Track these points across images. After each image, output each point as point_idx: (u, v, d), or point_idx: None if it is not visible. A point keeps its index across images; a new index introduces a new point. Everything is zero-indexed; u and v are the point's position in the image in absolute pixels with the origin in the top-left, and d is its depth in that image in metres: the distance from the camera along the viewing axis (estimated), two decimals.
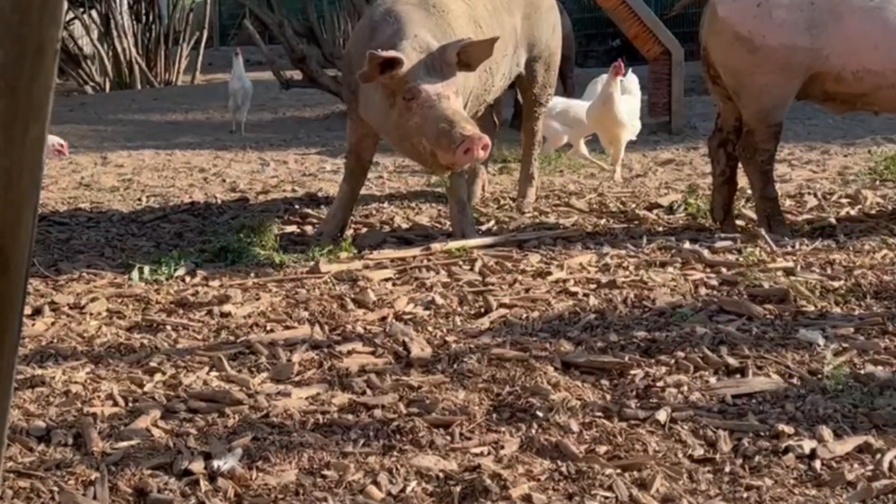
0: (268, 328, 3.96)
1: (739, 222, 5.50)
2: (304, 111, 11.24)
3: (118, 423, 3.08)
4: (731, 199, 5.49)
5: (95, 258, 5.10)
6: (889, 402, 3.14)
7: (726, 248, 4.97)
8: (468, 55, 4.68)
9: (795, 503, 2.61)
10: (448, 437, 2.95)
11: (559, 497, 2.63)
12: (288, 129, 10.03)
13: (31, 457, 2.88)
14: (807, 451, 2.84)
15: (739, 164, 5.40)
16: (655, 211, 5.83)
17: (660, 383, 3.32)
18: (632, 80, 7.24)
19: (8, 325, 1.65)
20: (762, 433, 2.96)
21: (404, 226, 5.69)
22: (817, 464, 2.78)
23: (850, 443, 2.89)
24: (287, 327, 3.97)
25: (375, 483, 2.69)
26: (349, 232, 5.45)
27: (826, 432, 2.94)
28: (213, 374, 3.50)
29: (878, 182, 6.54)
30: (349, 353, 3.67)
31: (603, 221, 5.63)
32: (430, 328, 3.93)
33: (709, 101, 9.44)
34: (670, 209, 5.83)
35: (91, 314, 4.17)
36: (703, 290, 4.30)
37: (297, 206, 6.20)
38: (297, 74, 10.22)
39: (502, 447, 2.90)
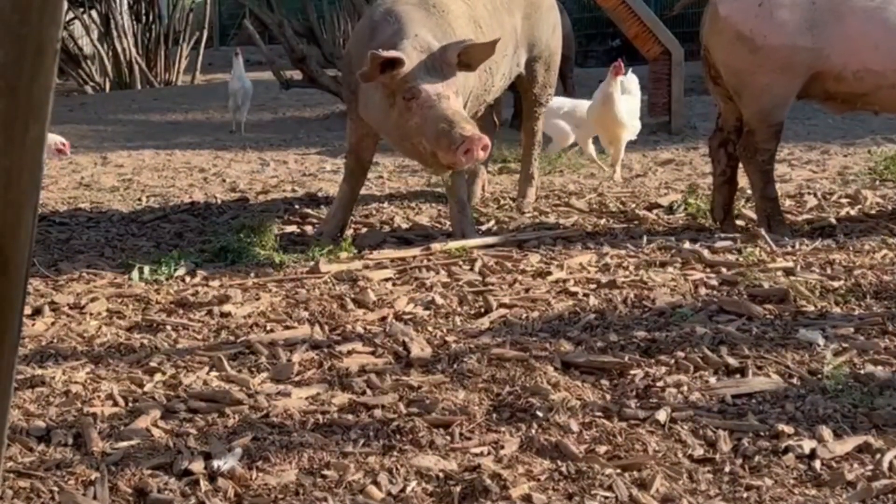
0: (268, 328, 3.96)
1: (739, 222, 5.50)
2: (304, 111, 11.24)
3: (118, 423, 3.08)
4: (731, 199, 5.49)
5: (95, 258, 5.11)
6: (889, 402, 3.14)
7: (726, 248, 4.97)
8: (469, 56, 4.68)
9: (795, 503, 2.61)
10: (448, 437, 2.95)
11: (559, 497, 2.63)
12: (288, 129, 10.03)
13: (31, 457, 2.88)
14: (807, 451, 2.84)
15: (740, 164, 5.41)
16: (655, 211, 5.83)
17: (660, 383, 3.32)
18: (632, 80, 7.24)
19: (8, 325, 1.65)
20: (762, 433, 2.96)
21: (404, 226, 5.70)
22: (817, 464, 2.78)
23: (850, 443, 2.89)
24: (287, 327, 3.97)
25: (375, 483, 2.69)
26: (349, 232, 5.45)
27: (826, 432, 2.94)
28: (213, 374, 3.50)
29: (878, 182, 6.54)
30: (349, 353, 3.67)
31: (603, 221, 5.63)
32: (430, 328, 3.93)
33: (709, 101, 9.46)
34: (670, 209, 5.84)
35: (91, 314, 4.17)
36: (703, 290, 4.30)
37: (297, 206, 6.20)
38: (297, 74, 10.22)
39: (502, 447, 2.90)
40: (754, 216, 5.45)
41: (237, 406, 3.20)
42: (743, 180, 5.56)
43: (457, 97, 4.67)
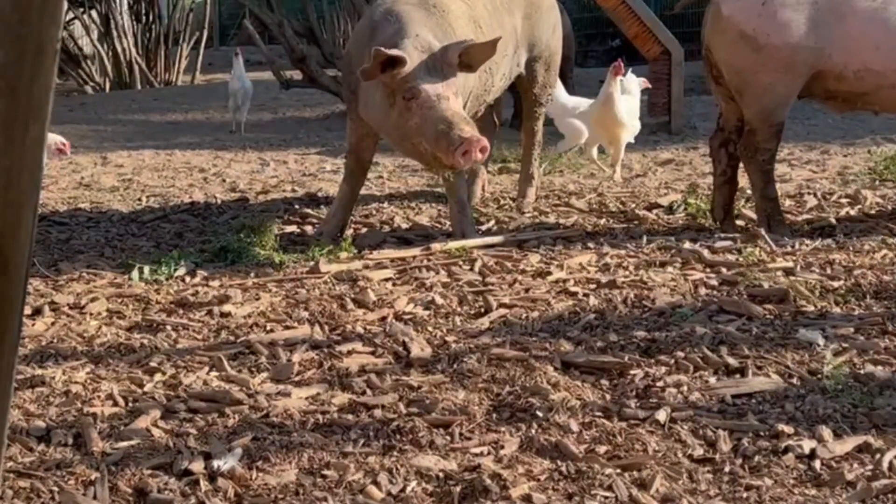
0: (268, 328, 3.96)
1: (739, 222, 5.50)
2: (304, 111, 11.23)
3: (118, 423, 3.08)
4: (731, 199, 5.50)
5: (95, 258, 5.10)
6: (889, 402, 3.14)
7: (726, 248, 4.97)
8: (470, 56, 4.68)
9: (795, 503, 2.61)
10: (448, 437, 2.95)
11: (559, 497, 2.63)
12: (288, 129, 10.03)
13: (31, 457, 2.88)
14: (806, 451, 2.84)
15: (740, 165, 5.41)
16: (655, 211, 5.83)
17: (660, 383, 3.32)
18: (632, 81, 7.24)
19: (8, 325, 1.65)
20: (762, 433, 2.96)
21: (404, 226, 5.70)
22: (817, 464, 2.78)
23: (850, 443, 2.89)
24: (287, 327, 3.97)
25: (375, 483, 2.69)
26: (349, 232, 5.45)
27: (826, 432, 2.94)
28: (213, 374, 3.50)
29: (877, 182, 6.54)
30: (349, 353, 3.67)
31: (603, 221, 5.63)
32: (430, 328, 3.93)
33: (708, 101, 9.46)
34: (670, 209, 5.84)
35: (91, 314, 4.17)
36: (702, 290, 4.30)
37: (297, 206, 6.20)
38: (297, 74, 10.22)
39: (502, 447, 2.90)
40: (754, 216, 5.46)
41: (237, 406, 3.20)
42: (743, 180, 5.56)
43: (457, 98, 4.67)
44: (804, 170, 7.19)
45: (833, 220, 5.50)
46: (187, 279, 4.67)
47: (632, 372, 3.42)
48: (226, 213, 6.13)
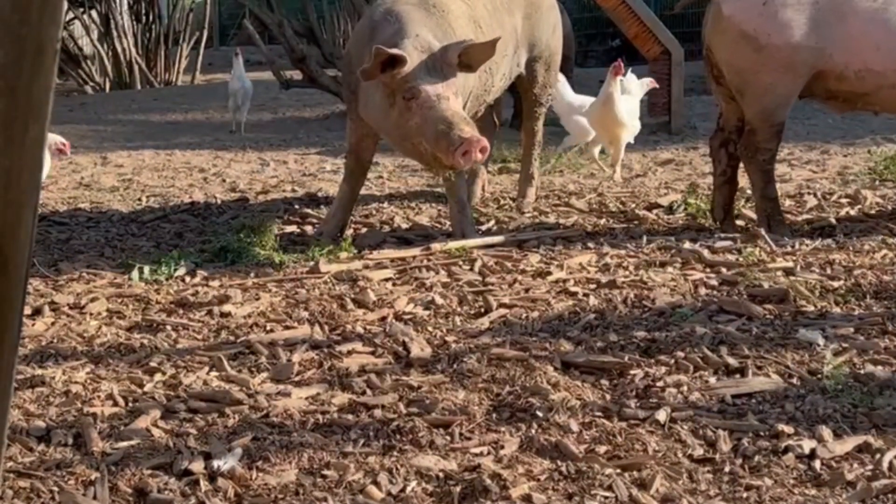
0: (268, 328, 3.96)
1: (739, 222, 5.50)
2: (304, 111, 11.23)
3: (118, 423, 3.08)
4: (731, 199, 5.50)
5: (95, 258, 5.11)
6: (889, 402, 3.14)
7: (726, 248, 4.97)
8: (469, 56, 4.68)
9: (795, 503, 2.61)
10: (448, 437, 2.95)
11: (559, 497, 2.63)
12: (288, 129, 10.03)
13: (31, 457, 2.88)
14: (806, 451, 2.84)
15: (740, 165, 5.41)
16: (655, 211, 5.83)
17: (660, 383, 3.32)
18: (632, 81, 7.25)
19: (8, 325, 1.64)
20: (762, 433, 2.96)
21: (404, 226, 5.70)
22: (817, 464, 2.79)
23: (850, 443, 2.89)
24: (287, 327, 3.97)
25: (375, 483, 2.69)
26: (349, 232, 5.45)
27: (826, 432, 2.94)
28: (213, 374, 3.50)
29: (877, 182, 6.54)
30: (349, 353, 3.67)
31: (603, 221, 5.63)
32: (430, 328, 3.93)
33: (708, 102, 9.46)
34: (670, 209, 5.84)
35: (91, 314, 4.17)
36: (702, 290, 4.30)
37: (297, 206, 6.20)
38: (297, 74, 10.22)
39: (502, 447, 2.90)
40: (754, 216, 5.46)
41: (237, 406, 3.20)
42: (743, 180, 5.56)
43: (456, 98, 4.67)
44: (804, 170, 7.19)
45: (833, 220, 5.50)
46: (187, 279, 4.67)
47: (632, 372, 3.42)
48: (226, 213, 6.13)
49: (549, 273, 4.63)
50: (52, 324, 4.06)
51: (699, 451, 2.88)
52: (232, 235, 5.26)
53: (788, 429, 2.96)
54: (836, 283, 4.30)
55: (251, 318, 4.07)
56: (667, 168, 7.46)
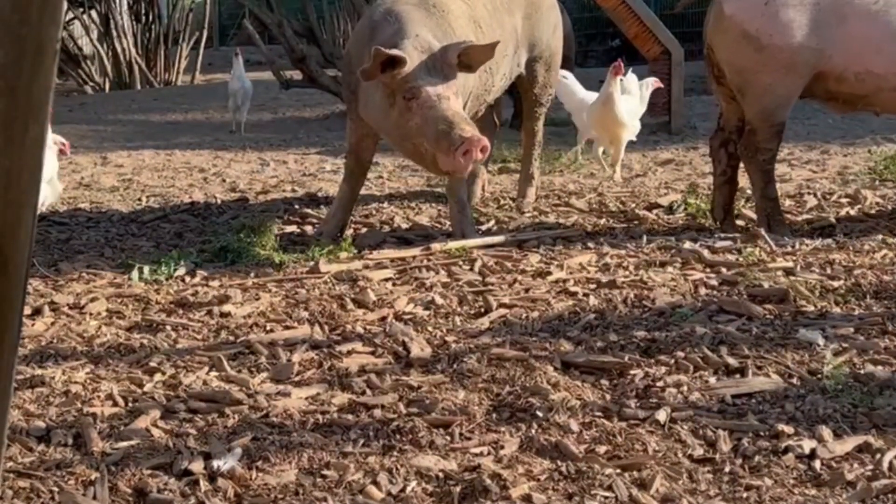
0: (268, 328, 3.96)
1: (739, 222, 5.51)
2: (304, 111, 11.23)
3: (118, 423, 3.08)
4: (731, 199, 5.50)
5: (95, 258, 5.10)
6: (889, 402, 3.14)
7: (726, 248, 4.97)
8: (469, 57, 4.68)
9: (795, 503, 2.61)
10: (448, 437, 2.95)
11: (559, 497, 2.63)
12: (288, 129, 10.03)
13: (31, 457, 2.88)
14: (807, 451, 2.84)
15: (740, 164, 5.41)
16: (655, 211, 5.83)
17: (660, 383, 3.32)
18: (631, 81, 7.25)
19: (8, 325, 1.64)
20: (762, 433, 2.96)
21: (404, 226, 5.70)
22: (817, 464, 2.78)
23: (850, 443, 2.89)
24: (287, 327, 3.97)
25: (375, 483, 2.69)
26: (349, 232, 5.45)
27: (826, 432, 2.94)
28: (213, 374, 3.50)
29: (877, 182, 6.54)
30: (349, 353, 3.67)
31: (603, 221, 5.63)
32: (430, 328, 3.93)
33: (709, 102, 9.46)
34: (670, 209, 5.84)
35: (91, 314, 4.17)
36: (703, 290, 4.30)
37: (297, 206, 6.20)
38: (297, 74, 10.22)
39: (502, 447, 2.90)
40: (754, 216, 5.46)
41: (237, 406, 3.20)
42: (743, 180, 5.56)
43: (457, 98, 4.67)
44: (804, 170, 7.19)
45: (833, 220, 5.51)
46: (187, 279, 4.67)
47: (632, 372, 3.42)
48: (226, 213, 6.13)
49: (549, 273, 4.63)
50: (52, 324, 4.06)
51: (699, 451, 2.88)
52: (232, 235, 5.26)
53: (788, 429, 2.96)
54: (836, 283, 4.30)
55: (251, 318, 4.07)
56: (667, 168, 7.46)
